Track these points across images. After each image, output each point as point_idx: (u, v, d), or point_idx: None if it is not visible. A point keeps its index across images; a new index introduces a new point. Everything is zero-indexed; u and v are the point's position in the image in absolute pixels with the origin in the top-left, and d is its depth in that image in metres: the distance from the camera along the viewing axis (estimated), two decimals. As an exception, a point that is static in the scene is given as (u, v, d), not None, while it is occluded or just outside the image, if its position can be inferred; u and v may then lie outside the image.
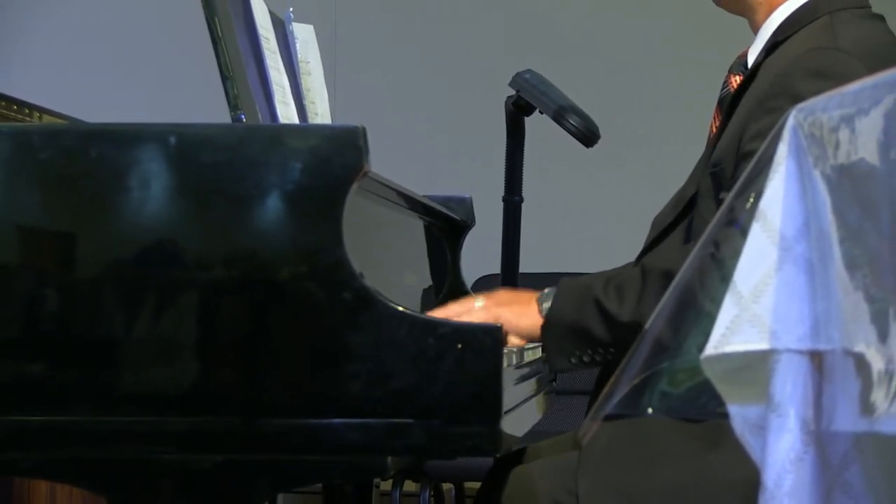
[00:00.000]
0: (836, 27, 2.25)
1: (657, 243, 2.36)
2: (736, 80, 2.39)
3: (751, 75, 2.29)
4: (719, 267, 1.38)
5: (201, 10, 2.14)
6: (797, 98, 2.08)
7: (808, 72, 2.17)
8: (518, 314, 2.25)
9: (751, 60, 2.35)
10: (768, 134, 2.09)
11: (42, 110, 2.26)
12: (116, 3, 5.42)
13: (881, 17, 2.34)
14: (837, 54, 2.18)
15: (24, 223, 1.97)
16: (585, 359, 2.21)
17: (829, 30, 2.25)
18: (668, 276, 2.09)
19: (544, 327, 2.24)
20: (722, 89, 2.42)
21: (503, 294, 2.32)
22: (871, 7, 2.35)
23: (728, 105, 2.33)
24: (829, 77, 2.13)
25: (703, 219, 2.23)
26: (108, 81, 5.31)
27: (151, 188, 1.95)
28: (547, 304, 2.25)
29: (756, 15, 2.37)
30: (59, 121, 2.32)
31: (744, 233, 1.35)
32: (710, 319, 1.36)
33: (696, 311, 1.39)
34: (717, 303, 1.35)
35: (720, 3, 2.44)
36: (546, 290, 2.27)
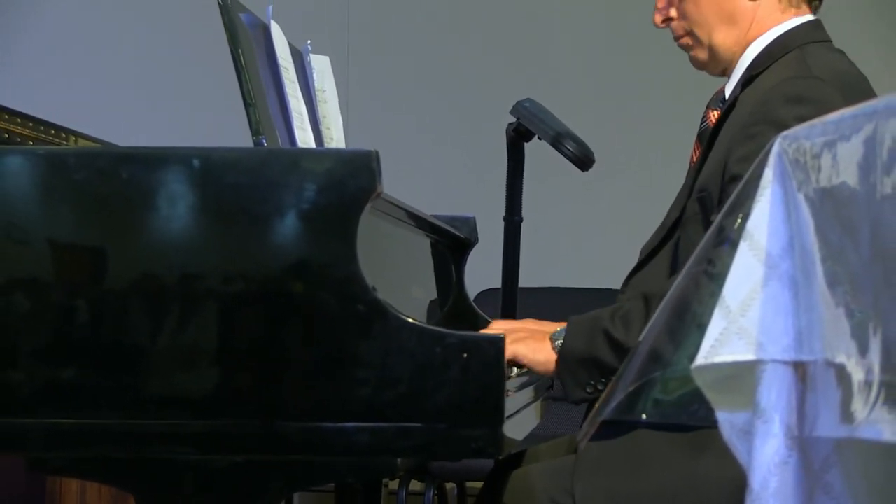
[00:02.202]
0: (807, 58, 2.25)
1: (642, 267, 2.36)
2: (714, 114, 2.39)
3: (729, 107, 2.29)
4: (709, 283, 1.38)
5: (226, 42, 2.14)
6: (778, 123, 2.09)
7: (787, 98, 2.16)
8: (533, 349, 2.24)
9: (727, 95, 2.35)
10: (752, 157, 2.09)
11: (77, 134, 2.26)
12: (147, 37, 5.43)
13: (843, 52, 2.35)
14: (813, 81, 2.19)
15: (60, 239, 1.97)
16: (600, 387, 2.18)
17: (802, 61, 2.25)
18: None
19: (559, 362, 2.22)
20: (701, 123, 2.42)
21: (519, 332, 2.31)
22: (832, 42, 2.36)
23: (708, 137, 2.33)
24: (806, 102, 2.13)
25: (690, 241, 2.23)
26: (137, 109, 5.32)
27: (178, 207, 1.95)
28: (559, 341, 2.23)
29: (731, 64, 2.37)
30: (93, 144, 2.32)
31: (732, 252, 1.35)
32: (701, 332, 1.35)
33: (688, 325, 1.38)
34: (707, 316, 1.35)
35: (700, 68, 2.44)
36: (558, 329, 2.25)
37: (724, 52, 2.35)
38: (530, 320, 2.40)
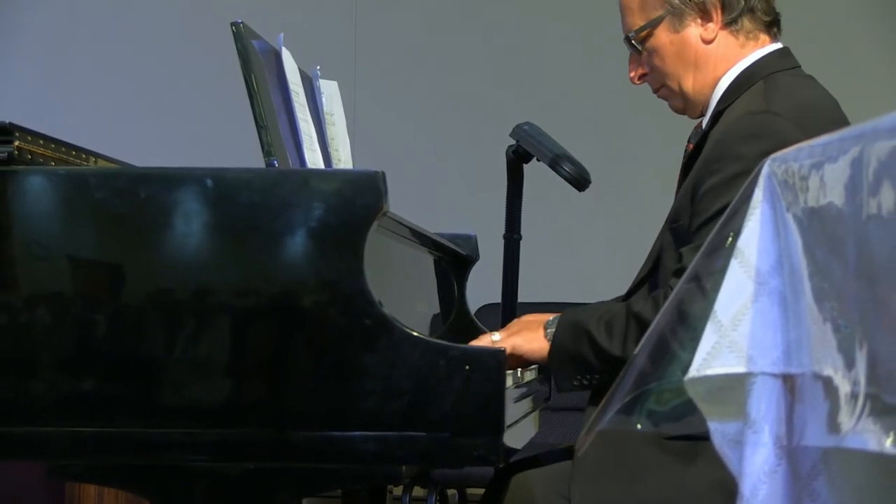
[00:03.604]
0: (768, 92, 2.26)
1: (631, 295, 2.36)
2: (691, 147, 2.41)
3: (701, 141, 2.30)
4: (701, 299, 1.38)
5: (240, 68, 2.15)
6: (738, 157, 2.13)
7: (744, 136, 2.18)
8: (528, 339, 2.28)
9: (704, 128, 2.37)
10: (714, 191, 2.15)
11: (96, 155, 2.25)
12: (164, 64, 5.44)
13: (811, 78, 2.35)
14: (768, 116, 2.19)
15: (80, 255, 1.97)
16: (585, 382, 2.25)
17: (762, 94, 2.26)
18: (641, 322, 2.12)
19: (550, 354, 2.26)
20: (684, 157, 2.43)
21: (515, 324, 2.34)
22: (801, 68, 2.36)
23: (683, 169, 2.35)
24: (763, 137, 2.15)
25: (666, 268, 2.25)
26: (154, 132, 5.34)
27: (194, 225, 1.95)
28: (551, 331, 2.27)
29: (707, 105, 2.37)
30: (112, 164, 2.31)
31: (723, 269, 1.35)
32: (693, 345, 1.35)
33: (679, 339, 1.38)
34: (694, 345, 1.35)
35: (681, 114, 2.45)
36: (552, 318, 2.29)
37: (696, 95, 2.37)
38: (516, 321, 2.40)
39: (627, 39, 2.41)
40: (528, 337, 2.28)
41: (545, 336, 2.27)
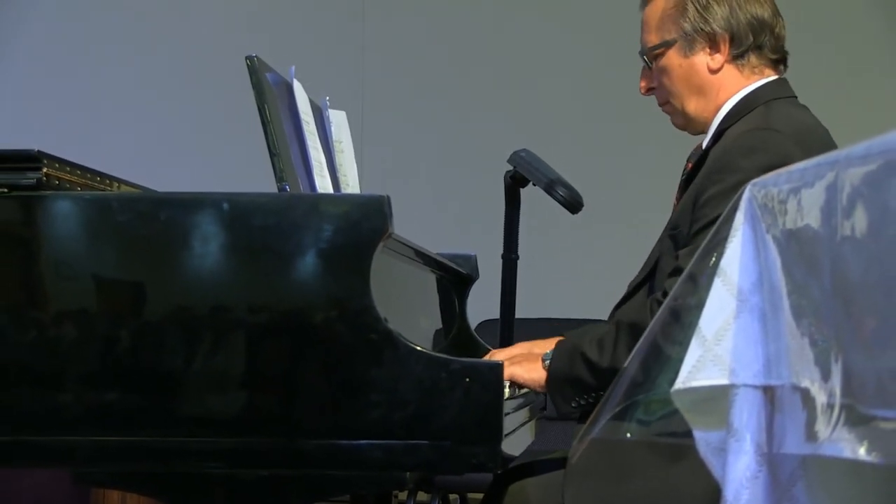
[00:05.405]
0: (769, 114, 2.27)
1: (627, 300, 2.37)
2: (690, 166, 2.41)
3: (701, 159, 2.31)
4: (686, 315, 1.38)
5: (254, 99, 2.15)
6: (738, 170, 2.13)
7: (745, 149, 2.19)
8: (528, 370, 2.28)
9: (704, 148, 2.37)
10: (713, 200, 2.15)
11: (119, 180, 2.26)
12: (184, 96, 5.45)
13: (806, 107, 2.36)
14: (769, 133, 2.20)
15: (104, 274, 1.97)
16: (582, 402, 2.23)
17: (763, 115, 2.27)
18: (634, 327, 2.11)
19: (548, 381, 2.25)
20: (682, 175, 2.43)
21: (518, 355, 2.34)
22: (797, 98, 2.37)
23: (683, 184, 2.35)
24: (762, 151, 2.16)
25: (663, 274, 2.25)
26: (174, 159, 5.35)
27: (211, 246, 1.95)
28: (548, 362, 2.26)
29: (707, 125, 2.39)
30: (134, 189, 2.32)
31: (707, 287, 1.35)
32: (679, 359, 1.35)
33: (667, 353, 1.39)
34: (685, 345, 1.35)
35: (681, 129, 2.46)
36: (549, 350, 2.28)
37: (697, 118, 2.38)
38: (525, 343, 2.42)
39: (641, 54, 2.42)
40: (528, 367, 2.27)
41: (544, 366, 2.26)
